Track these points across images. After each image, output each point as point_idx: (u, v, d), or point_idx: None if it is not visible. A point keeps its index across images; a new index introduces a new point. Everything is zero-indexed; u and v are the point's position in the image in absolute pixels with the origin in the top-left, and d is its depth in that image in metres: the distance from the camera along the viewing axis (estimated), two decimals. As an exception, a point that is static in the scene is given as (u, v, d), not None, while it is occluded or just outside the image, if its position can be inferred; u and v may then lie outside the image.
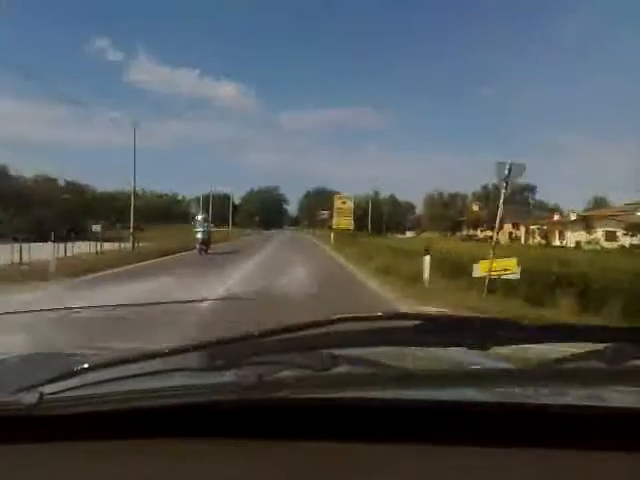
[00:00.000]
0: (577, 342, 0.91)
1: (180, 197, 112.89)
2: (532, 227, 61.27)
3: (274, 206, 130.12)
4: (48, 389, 0.78)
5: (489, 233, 67.26)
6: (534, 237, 58.03)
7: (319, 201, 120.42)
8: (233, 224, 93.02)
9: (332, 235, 42.79)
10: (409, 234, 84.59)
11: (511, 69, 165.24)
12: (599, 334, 0.91)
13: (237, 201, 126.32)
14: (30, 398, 0.76)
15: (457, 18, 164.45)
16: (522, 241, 61.39)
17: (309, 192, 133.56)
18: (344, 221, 47.71)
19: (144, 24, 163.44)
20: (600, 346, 0.86)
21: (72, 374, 0.81)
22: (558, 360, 0.88)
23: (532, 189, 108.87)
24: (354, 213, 55.78)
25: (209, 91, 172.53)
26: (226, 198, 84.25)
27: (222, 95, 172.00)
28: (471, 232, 71.42)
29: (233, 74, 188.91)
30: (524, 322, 0.85)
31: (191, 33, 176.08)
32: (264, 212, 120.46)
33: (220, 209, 79.88)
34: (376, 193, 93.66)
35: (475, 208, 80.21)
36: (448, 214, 74.90)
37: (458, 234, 73.51)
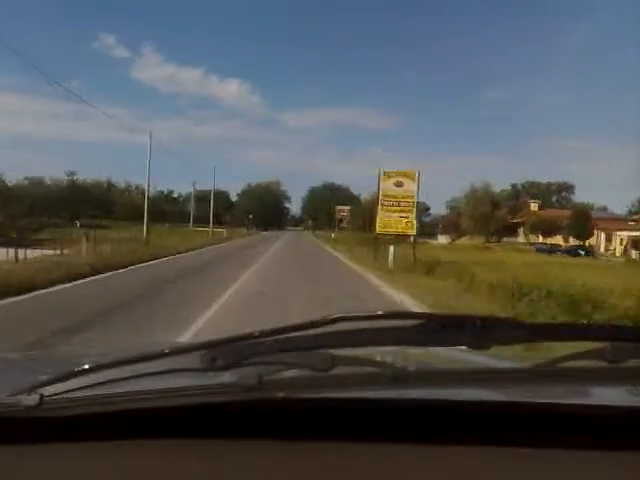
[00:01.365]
0: (577, 341, 0.89)
1: (176, 194, 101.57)
2: (619, 233, 48.77)
3: (274, 203, 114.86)
4: (48, 390, 0.77)
5: (551, 239, 54.47)
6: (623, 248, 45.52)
7: (326, 198, 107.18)
8: (227, 223, 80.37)
9: (391, 250, 18.73)
10: (441, 239, 71.43)
11: (519, 72, 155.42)
12: (599, 333, 0.90)
13: (235, 199, 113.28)
14: (30, 400, 0.75)
15: (463, 17, 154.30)
16: (601, 250, 48.93)
17: (314, 188, 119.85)
18: (399, 219, 20.88)
19: (150, 22, 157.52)
20: (600, 345, 0.84)
21: (73, 375, 0.80)
22: (558, 359, 0.86)
23: (569, 188, 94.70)
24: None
25: (214, 89, 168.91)
26: (224, 195, 70.69)
27: (226, 94, 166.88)
28: (529, 238, 58.15)
29: (238, 73, 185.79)
30: (524, 321, 0.83)
31: (196, 31, 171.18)
32: (263, 209, 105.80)
33: (217, 207, 66.96)
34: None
35: (534, 207, 66.72)
36: (499, 214, 60.10)
37: (505, 239, 60.26)
